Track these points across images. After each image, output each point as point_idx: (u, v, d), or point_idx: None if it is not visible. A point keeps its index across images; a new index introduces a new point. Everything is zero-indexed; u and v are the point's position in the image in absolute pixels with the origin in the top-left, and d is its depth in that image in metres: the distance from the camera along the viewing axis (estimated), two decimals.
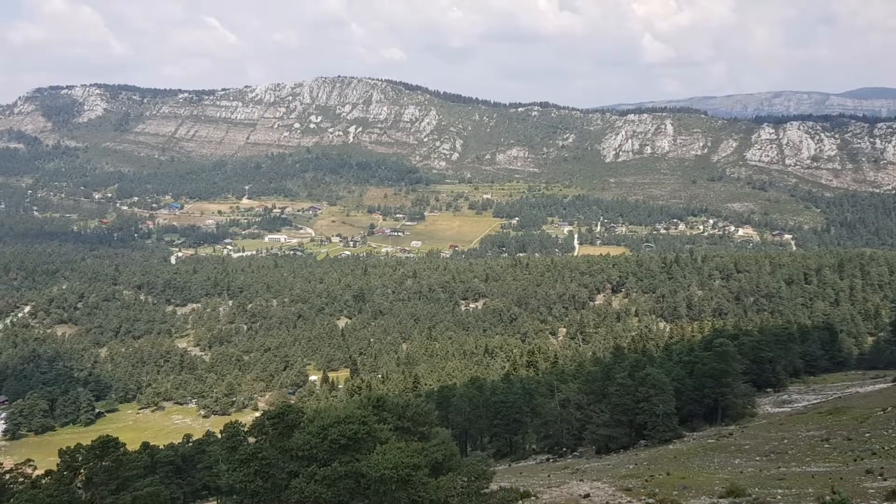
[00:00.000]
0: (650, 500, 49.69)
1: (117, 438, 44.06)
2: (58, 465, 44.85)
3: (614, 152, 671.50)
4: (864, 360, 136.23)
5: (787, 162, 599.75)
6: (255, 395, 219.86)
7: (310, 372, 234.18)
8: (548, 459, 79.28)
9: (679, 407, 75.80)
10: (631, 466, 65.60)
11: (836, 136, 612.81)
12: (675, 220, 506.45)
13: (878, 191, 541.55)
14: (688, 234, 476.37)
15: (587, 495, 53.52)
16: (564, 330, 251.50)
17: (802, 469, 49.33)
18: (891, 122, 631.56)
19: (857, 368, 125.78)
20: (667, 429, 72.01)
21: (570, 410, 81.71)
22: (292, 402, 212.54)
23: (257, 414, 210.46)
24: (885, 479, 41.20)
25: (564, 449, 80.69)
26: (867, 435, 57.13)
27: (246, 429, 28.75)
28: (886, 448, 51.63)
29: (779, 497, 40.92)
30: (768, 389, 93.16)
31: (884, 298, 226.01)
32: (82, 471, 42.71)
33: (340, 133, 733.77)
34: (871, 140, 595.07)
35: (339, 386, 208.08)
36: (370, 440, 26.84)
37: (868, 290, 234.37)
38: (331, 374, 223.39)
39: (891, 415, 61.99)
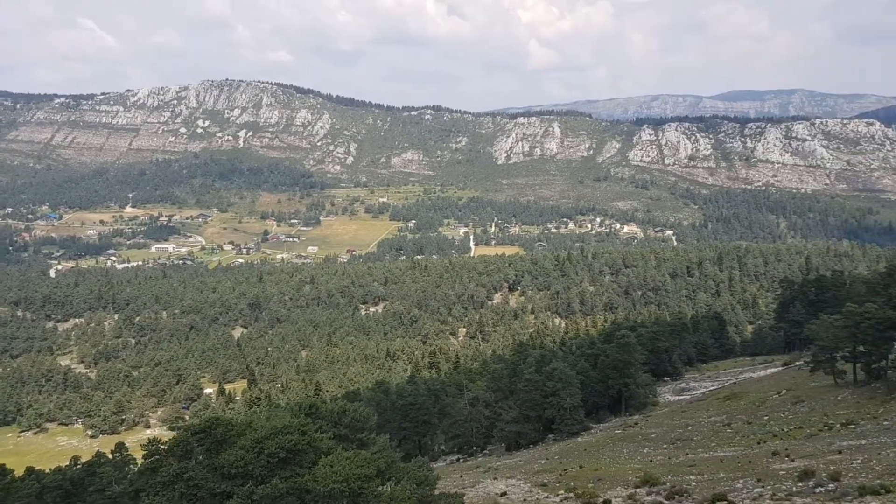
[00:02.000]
0: (568, 495, 50.11)
1: (4, 465, 40.37)
2: None
3: (506, 154, 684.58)
4: (748, 347, 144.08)
5: (667, 161, 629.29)
6: (147, 412, 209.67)
7: (204, 385, 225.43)
8: (458, 459, 79.24)
9: (585, 399, 77.46)
10: (543, 462, 66.24)
11: (711, 136, 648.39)
12: (564, 220, 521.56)
13: (749, 187, 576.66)
14: (577, 232, 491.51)
15: (504, 493, 53.59)
16: (464, 330, 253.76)
17: (710, 454, 51.13)
18: (759, 122, 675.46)
19: (742, 355, 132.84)
20: (574, 421, 73.36)
21: (478, 409, 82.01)
22: (186, 417, 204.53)
23: (149, 432, 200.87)
24: (792, 461, 43.07)
25: (474, 448, 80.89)
26: (766, 418, 59.93)
27: (165, 446, 25.17)
28: (786, 430, 54.28)
29: (693, 483, 42.08)
30: (666, 378, 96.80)
31: (760, 288, 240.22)
32: None
33: (230, 138, 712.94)
34: (742, 140, 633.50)
35: (237, 398, 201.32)
36: (311, 451, 24.38)
37: (745, 281, 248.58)
38: (227, 386, 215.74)
39: (785, 398, 65.33)
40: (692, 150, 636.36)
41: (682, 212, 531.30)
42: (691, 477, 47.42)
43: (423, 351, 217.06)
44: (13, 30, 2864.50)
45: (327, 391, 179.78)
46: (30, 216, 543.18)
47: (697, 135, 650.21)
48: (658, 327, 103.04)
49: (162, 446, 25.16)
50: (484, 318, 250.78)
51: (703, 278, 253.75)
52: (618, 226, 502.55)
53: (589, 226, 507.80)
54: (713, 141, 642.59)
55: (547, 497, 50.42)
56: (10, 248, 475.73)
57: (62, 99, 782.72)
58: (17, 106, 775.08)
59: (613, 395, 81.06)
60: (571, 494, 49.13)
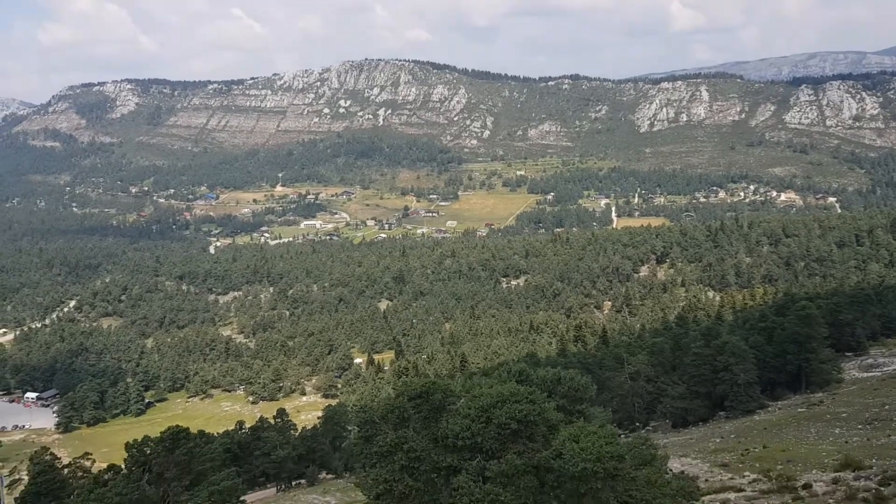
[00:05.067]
0: (758, 477, 45.75)
1: (188, 429, 41.44)
2: (124, 459, 42.32)
3: (649, 122, 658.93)
4: None
5: (828, 123, 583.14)
6: (302, 380, 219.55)
7: (354, 355, 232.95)
8: (620, 436, 75.76)
9: (759, 375, 71.68)
10: (718, 440, 61.77)
11: (878, 94, 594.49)
12: (714, 188, 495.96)
13: None
14: (728, 201, 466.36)
15: (681, 473, 49.76)
16: (609, 303, 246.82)
17: None
18: None
19: None
20: (749, 399, 68.03)
21: (640, 383, 77.94)
22: (339, 385, 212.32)
23: (305, 399, 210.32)
24: None
25: (636, 424, 77.03)
26: None
27: (378, 413, 22.92)
28: None
29: None
30: (848, 353, 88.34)
31: None
32: (152, 465, 39.97)
33: (370, 116, 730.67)
34: None
35: (385, 368, 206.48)
36: (542, 424, 21.50)
37: None
38: (376, 357, 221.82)
39: None
40: (857, 109, 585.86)
41: (846, 177, 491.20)
42: None
43: (568, 324, 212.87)
44: (171, 24, 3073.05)
45: (472, 363, 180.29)
46: (189, 196, 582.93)
47: (863, 93, 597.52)
48: (839, 298, 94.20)
49: (374, 413, 23.15)
50: (630, 292, 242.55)
51: (874, 247, 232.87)
52: (774, 193, 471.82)
53: (742, 194, 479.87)
54: (881, 99, 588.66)
55: (732, 478, 46.26)
56: (174, 226, 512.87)
57: (215, 85, 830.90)
58: (176, 93, 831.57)
59: (792, 371, 74.46)
60: (762, 476, 44.69)
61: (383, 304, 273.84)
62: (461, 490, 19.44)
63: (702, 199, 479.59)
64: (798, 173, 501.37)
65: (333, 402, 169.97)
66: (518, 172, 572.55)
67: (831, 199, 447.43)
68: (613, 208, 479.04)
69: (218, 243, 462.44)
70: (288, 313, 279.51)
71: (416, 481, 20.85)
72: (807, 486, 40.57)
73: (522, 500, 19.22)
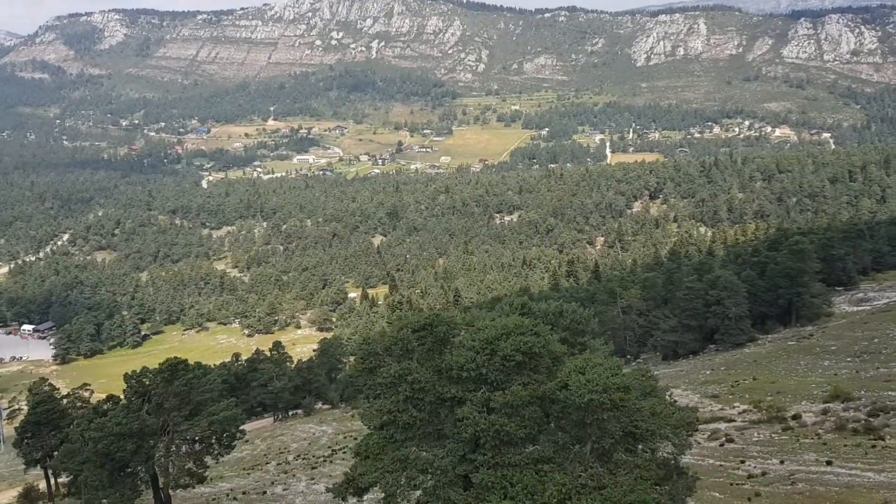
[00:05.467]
0: (747, 408, 46.94)
1: (186, 360, 41.92)
2: (123, 390, 42.92)
3: (645, 56, 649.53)
4: None
5: (826, 58, 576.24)
6: (297, 314, 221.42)
7: (349, 289, 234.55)
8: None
9: (750, 309, 72.75)
10: (708, 372, 63.15)
11: (877, 28, 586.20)
12: (709, 124, 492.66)
13: None
14: (723, 137, 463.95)
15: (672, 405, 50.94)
16: (602, 239, 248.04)
17: None
18: None
19: None
20: (740, 332, 69.26)
21: (632, 317, 78.99)
22: (334, 318, 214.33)
23: (300, 332, 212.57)
24: None
25: (628, 356, 78.41)
26: None
27: (382, 345, 22.92)
28: None
29: None
30: (839, 288, 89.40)
31: None
32: (151, 396, 40.53)
33: (363, 49, 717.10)
34: None
35: (379, 302, 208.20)
36: (546, 356, 21.59)
37: None
38: (370, 291, 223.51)
39: None
40: (856, 44, 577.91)
41: (841, 112, 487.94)
42: (891, 393, 42.87)
43: (560, 260, 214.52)
44: None
45: (466, 298, 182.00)
46: (180, 130, 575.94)
47: (862, 27, 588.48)
48: (831, 233, 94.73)
49: (377, 345, 23.23)
50: (623, 227, 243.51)
51: (867, 183, 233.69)
52: (768, 129, 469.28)
53: (736, 129, 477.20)
54: (880, 33, 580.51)
55: (722, 409, 47.52)
56: (166, 160, 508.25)
57: (204, 15, 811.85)
58: (164, 24, 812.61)
59: (782, 306, 75.56)
60: (752, 407, 45.91)
61: (377, 240, 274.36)
62: (466, 420, 19.71)
63: (696, 135, 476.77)
64: (794, 109, 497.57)
65: (328, 335, 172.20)
66: (513, 107, 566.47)
67: (826, 135, 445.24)
68: (608, 144, 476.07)
69: (210, 178, 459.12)
70: (282, 248, 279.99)
71: (420, 412, 21.11)
72: (796, 417, 41.69)
73: (527, 430, 19.56)
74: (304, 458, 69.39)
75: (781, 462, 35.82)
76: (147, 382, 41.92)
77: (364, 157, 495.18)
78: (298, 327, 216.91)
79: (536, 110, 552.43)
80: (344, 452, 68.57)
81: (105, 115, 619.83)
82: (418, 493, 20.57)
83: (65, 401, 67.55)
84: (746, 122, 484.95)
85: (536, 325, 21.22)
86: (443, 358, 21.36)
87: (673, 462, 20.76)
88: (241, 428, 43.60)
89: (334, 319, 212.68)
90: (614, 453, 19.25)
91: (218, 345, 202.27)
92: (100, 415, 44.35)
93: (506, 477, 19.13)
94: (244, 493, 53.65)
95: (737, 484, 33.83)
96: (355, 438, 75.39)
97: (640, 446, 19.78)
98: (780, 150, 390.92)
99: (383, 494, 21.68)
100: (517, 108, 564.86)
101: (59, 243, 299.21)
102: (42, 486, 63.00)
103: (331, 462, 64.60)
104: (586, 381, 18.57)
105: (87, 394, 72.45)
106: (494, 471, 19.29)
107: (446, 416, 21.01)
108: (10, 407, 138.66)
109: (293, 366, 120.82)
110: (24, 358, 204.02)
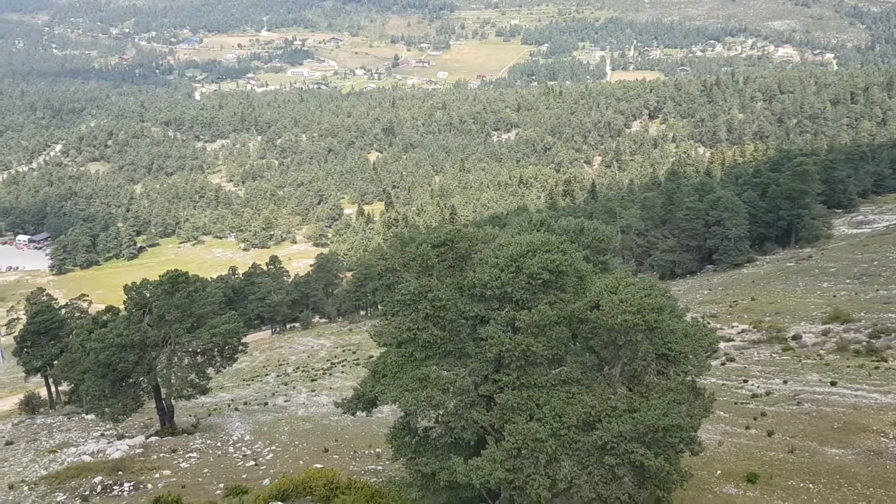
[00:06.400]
0: (747, 328, 47.28)
1: (187, 273, 41.61)
2: (123, 301, 42.79)
3: None
4: None
5: None
6: (293, 229, 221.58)
7: (344, 205, 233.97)
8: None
9: (750, 230, 72.72)
10: (706, 292, 63.51)
11: None
12: (711, 42, 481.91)
13: None
14: (725, 55, 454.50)
15: None
16: (600, 158, 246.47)
17: None
18: None
19: None
20: (738, 252, 69.45)
21: (630, 237, 78.94)
22: (329, 234, 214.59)
23: (296, 247, 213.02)
24: None
25: None
26: None
27: (400, 261, 21.98)
28: None
29: None
30: (838, 210, 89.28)
31: None
32: (152, 308, 40.39)
33: None
34: None
35: (375, 219, 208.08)
36: (572, 275, 20.85)
37: None
38: (365, 207, 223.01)
39: None
40: None
41: (846, 32, 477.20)
42: (891, 315, 43.15)
43: (557, 179, 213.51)
44: None
45: (462, 216, 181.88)
46: (172, 39, 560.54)
47: None
48: (834, 155, 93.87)
49: (395, 261, 22.42)
50: (621, 147, 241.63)
51: (868, 105, 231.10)
52: (771, 48, 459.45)
53: (739, 48, 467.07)
54: None
55: (721, 328, 47.81)
56: (157, 70, 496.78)
57: None
58: None
59: (782, 227, 75.48)
60: (751, 327, 46.19)
61: (373, 156, 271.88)
62: (491, 340, 19.19)
63: (698, 53, 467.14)
64: (798, 27, 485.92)
65: (324, 250, 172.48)
66: (512, 21, 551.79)
67: (829, 56, 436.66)
68: (608, 61, 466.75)
69: (203, 89, 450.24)
70: (277, 163, 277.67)
71: (441, 330, 20.62)
72: (796, 338, 42.04)
73: (554, 350, 19.05)
74: (303, 371, 70.38)
75: (785, 382, 36.31)
76: (147, 294, 41.72)
77: (360, 71, 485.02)
78: (294, 242, 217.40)
79: (536, 25, 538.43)
80: (343, 365, 69.61)
81: (94, 24, 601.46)
82: (440, 412, 20.35)
83: (63, 311, 67.81)
84: (749, 41, 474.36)
85: (563, 242, 20.62)
86: (464, 275, 20.75)
87: (691, 381, 20.75)
88: (243, 340, 43.74)
89: (330, 235, 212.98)
90: (645, 376, 19.04)
91: (214, 258, 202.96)
92: (100, 325, 44.39)
93: (532, 398, 18.94)
94: (245, 403, 54.57)
95: (741, 403, 34.34)
96: (353, 352, 76.53)
97: (671, 369, 19.62)
98: (783, 70, 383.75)
99: (401, 413, 21.59)
100: (517, 21, 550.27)
101: (52, 154, 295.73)
102: (43, 393, 63.95)
103: (330, 375, 65.54)
104: (619, 302, 18.15)
105: (85, 304, 72.76)
106: (520, 391, 19.10)
107: (468, 335, 20.61)
108: (9, 315, 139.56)
109: (290, 280, 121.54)
110: (20, 268, 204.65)
